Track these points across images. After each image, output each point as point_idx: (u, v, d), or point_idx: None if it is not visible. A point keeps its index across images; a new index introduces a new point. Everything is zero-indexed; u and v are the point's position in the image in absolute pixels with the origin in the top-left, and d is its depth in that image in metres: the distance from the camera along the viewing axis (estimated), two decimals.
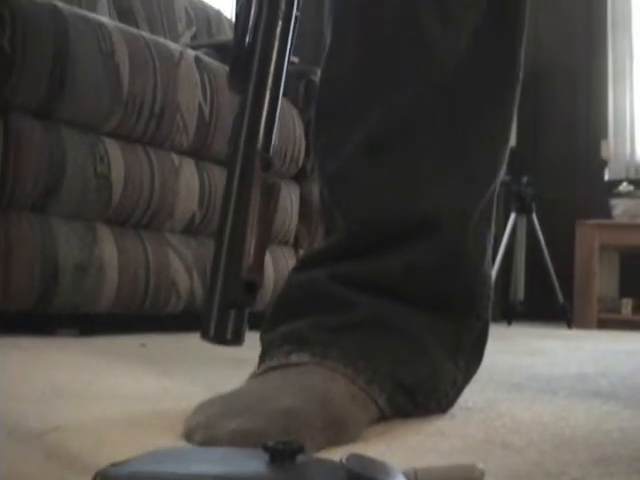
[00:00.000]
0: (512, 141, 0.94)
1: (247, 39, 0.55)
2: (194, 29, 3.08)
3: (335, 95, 0.90)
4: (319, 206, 0.96)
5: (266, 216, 0.49)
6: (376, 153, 0.86)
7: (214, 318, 0.48)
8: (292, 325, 0.83)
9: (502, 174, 0.93)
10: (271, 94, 0.53)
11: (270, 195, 0.49)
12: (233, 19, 3.61)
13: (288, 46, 0.55)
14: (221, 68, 2.27)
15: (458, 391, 0.89)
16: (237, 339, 0.48)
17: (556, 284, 3.98)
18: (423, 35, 0.86)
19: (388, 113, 0.86)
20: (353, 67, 0.88)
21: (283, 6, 0.56)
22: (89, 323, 1.98)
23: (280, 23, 0.55)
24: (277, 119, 0.53)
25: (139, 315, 2.12)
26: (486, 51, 0.90)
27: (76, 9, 2.02)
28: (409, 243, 0.86)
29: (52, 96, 1.84)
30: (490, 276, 0.92)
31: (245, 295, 0.47)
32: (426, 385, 0.84)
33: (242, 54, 0.55)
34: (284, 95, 0.54)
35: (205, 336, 0.48)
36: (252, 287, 0.47)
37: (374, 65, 0.87)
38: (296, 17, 0.55)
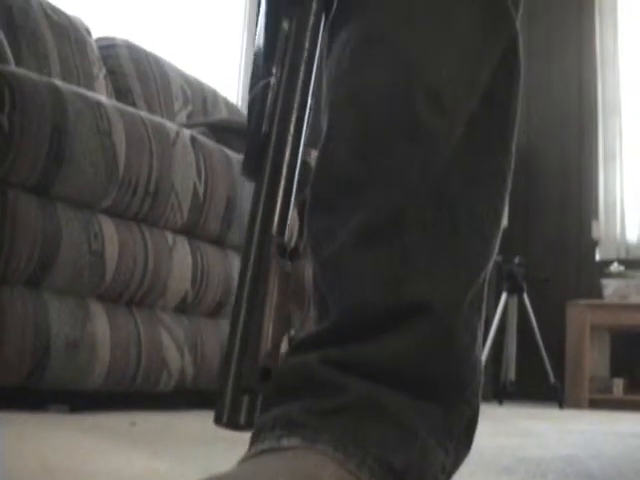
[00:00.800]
0: (504, 221, 0.96)
1: (263, 128, 0.57)
2: (190, 107, 3.12)
3: (331, 182, 0.91)
4: (312, 289, 0.97)
5: (283, 302, 0.49)
6: (368, 241, 0.87)
7: (228, 404, 0.48)
8: (284, 408, 0.83)
9: (493, 261, 0.94)
10: (286, 181, 0.55)
11: (287, 281, 0.50)
12: (228, 98, 3.67)
13: (303, 134, 0.57)
14: (216, 148, 2.30)
15: (448, 476, 0.89)
16: (250, 425, 0.48)
17: (547, 364, 3.98)
18: (419, 125, 0.88)
19: (382, 202, 0.88)
20: (350, 156, 0.89)
21: (298, 96, 0.58)
22: (80, 399, 1.97)
23: (295, 112, 0.57)
24: (292, 206, 0.55)
25: (130, 392, 2.11)
26: (479, 142, 0.92)
27: (74, 87, 2.05)
28: (399, 329, 0.87)
29: (49, 173, 1.86)
30: (481, 361, 0.93)
31: (260, 381, 0.48)
32: (416, 470, 0.84)
33: (257, 142, 0.56)
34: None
35: (218, 421, 0.48)
36: (267, 373, 0.48)
37: (370, 155, 0.89)
38: (310, 107, 0.57)
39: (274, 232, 0.52)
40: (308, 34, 0.68)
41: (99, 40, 3.10)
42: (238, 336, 0.49)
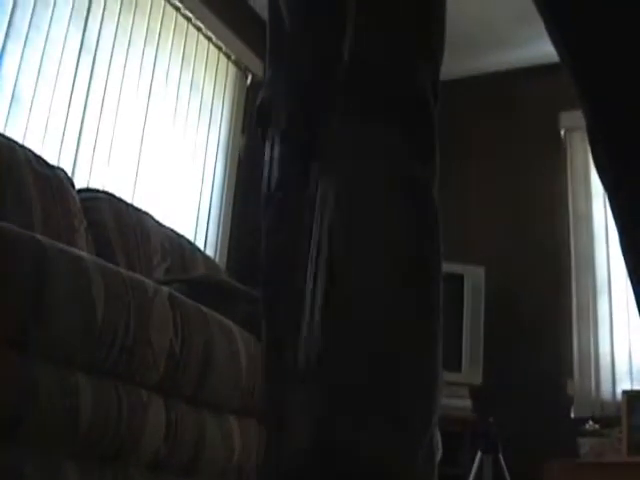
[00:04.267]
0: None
1: None
2: (169, 262, 3.15)
3: None
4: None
5: None
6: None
7: None
8: None
9: (437, 420, 0.96)
10: None
11: None
12: (206, 247, 3.71)
13: None
14: (193, 306, 2.32)
15: None
16: None
17: None
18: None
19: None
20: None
21: None
22: None
23: None
24: None
25: None
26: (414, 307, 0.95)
27: (55, 243, 2.07)
28: None
29: (27, 327, 1.85)
30: None
31: None
32: None
33: None
34: None
35: None
36: None
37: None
38: None
39: None
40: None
41: (82, 192, 3.15)
42: None
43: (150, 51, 4.36)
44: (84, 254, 2.13)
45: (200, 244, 4.27)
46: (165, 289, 2.27)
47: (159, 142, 4.30)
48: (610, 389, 4.68)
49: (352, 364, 0.89)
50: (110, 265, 2.18)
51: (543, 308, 4.89)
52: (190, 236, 4.08)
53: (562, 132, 5.21)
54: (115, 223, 3.10)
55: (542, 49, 4.42)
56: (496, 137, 5.34)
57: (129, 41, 4.20)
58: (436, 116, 1.03)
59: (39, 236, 1.99)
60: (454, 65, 4.88)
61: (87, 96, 3.84)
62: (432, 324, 0.94)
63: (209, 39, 4.87)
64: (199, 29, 4.78)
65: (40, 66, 3.59)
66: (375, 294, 0.91)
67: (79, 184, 3.28)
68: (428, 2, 1.08)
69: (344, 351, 0.90)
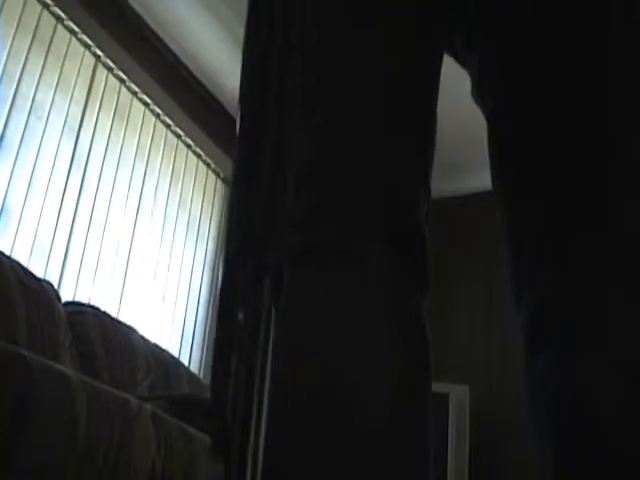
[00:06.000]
0: None
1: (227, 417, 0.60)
2: (152, 378, 3.13)
3: None
4: None
5: None
6: None
7: None
8: None
9: None
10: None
11: None
12: (190, 363, 3.69)
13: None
14: (176, 425, 2.30)
15: None
16: None
17: None
18: None
19: None
20: None
21: (258, 381, 0.61)
22: None
23: (256, 397, 0.61)
24: None
25: None
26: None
27: (40, 359, 2.06)
28: None
29: (9, 442, 1.84)
30: None
31: None
32: None
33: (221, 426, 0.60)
34: None
35: None
36: None
37: None
38: None
39: None
40: (262, 325, 0.73)
41: (68, 305, 3.15)
42: None
43: (140, 166, 4.42)
44: (69, 371, 2.13)
45: (185, 360, 4.25)
46: (149, 407, 2.26)
47: (146, 256, 4.32)
48: None
49: None
50: (94, 383, 2.17)
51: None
52: (175, 352, 4.07)
53: None
54: (100, 337, 3.10)
55: None
56: (482, 259, 5.38)
57: (119, 156, 4.26)
58: (429, 244, 1.04)
59: (24, 352, 1.98)
60: (443, 185, 4.94)
61: (76, 209, 3.87)
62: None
63: (198, 156, 4.94)
64: (189, 146, 4.86)
65: (31, 179, 3.63)
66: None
67: (65, 297, 3.28)
68: (430, 125, 1.10)
69: None
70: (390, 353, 0.94)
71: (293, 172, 0.95)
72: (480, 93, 1.15)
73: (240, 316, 0.72)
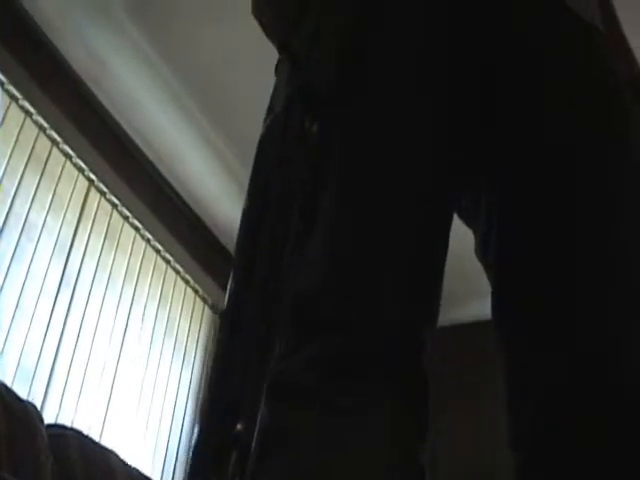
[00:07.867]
0: None
1: None
2: None
3: None
4: None
5: None
6: None
7: None
8: None
9: None
10: None
11: None
12: None
13: None
14: None
15: None
16: None
17: None
18: None
19: None
20: None
21: None
22: None
23: None
24: None
25: None
26: None
27: None
28: None
29: None
30: None
31: None
32: None
33: None
34: None
35: None
36: None
37: None
38: None
39: None
40: None
41: (50, 427, 3.11)
42: None
43: (128, 289, 4.42)
44: None
45: None
46: None
47: (131, 380, 4.28)
48: None
49: None
50: None
51: None
52: (157, 476, 3.99)
53: None
54: (81, 460, 3.04)
55: None
56: (474, 389, 5.35)
57: (108, 279, 4.28)
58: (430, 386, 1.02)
59: (6, 475, 1.96)
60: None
61: (63, 330, 3.85)
62: None
63: (187, 282, 4.96)
64: (178, 272, 4.88)
65: (19, 299, 3.62)
66: None
67: (48, 418, 3.24)
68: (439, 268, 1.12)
69: None
70: None
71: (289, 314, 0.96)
72: (484, 251, 1.19)
73: None
